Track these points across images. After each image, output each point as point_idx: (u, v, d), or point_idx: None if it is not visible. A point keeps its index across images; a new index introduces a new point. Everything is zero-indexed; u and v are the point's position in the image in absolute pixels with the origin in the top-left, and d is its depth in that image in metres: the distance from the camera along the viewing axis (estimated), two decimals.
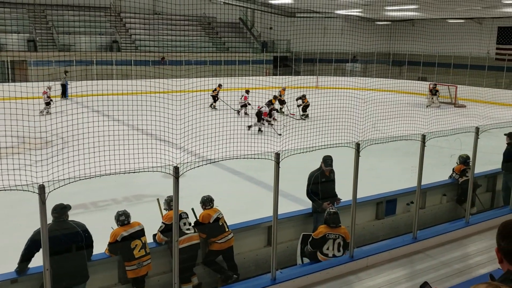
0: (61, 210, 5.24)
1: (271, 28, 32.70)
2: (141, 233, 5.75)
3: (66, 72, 24.04)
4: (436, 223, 8.04)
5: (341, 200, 7.20)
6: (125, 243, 5.59)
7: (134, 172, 4.90)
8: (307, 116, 19.89)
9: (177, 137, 7.01)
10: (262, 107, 17.29)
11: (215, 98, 21.89)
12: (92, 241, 5.45)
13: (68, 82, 23.75)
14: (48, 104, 18.82)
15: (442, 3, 19.77)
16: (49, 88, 19.30)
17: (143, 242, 5.71)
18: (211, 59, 28.84)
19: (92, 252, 5.52)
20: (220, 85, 21.93)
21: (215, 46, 33.16)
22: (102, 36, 29.19)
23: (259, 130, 16.80)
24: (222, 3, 28.13)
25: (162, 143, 7.29)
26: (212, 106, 21.70)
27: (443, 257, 6.13)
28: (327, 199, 7.07)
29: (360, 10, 25.92)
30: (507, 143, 9.20)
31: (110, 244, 5.65)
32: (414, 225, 6.40)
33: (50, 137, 9.48)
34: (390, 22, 31.43)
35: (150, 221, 6.17)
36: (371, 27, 29.38)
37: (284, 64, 34.13)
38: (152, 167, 4.68)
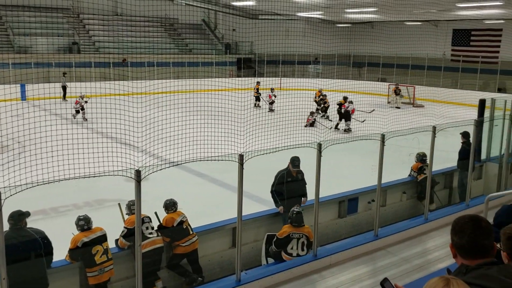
0: (18, 217, 5.07)
1: (234, 29, 32.71)
2: (102, 238, 5.64)
3: (64, 73, 24.08)
4: (397, 220, 8.25)
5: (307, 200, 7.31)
6: (86, 249, 5.47)
7: (95, 176, 4.81)
8: (327, 117, 20.04)
9: (139, 140, 6.93)
10: (348, 106, 17.66)
11: (258, 97, 22.57)
12: (51, 248, 5.30)
13: (67, 83, 23.77)
14: (77, 112, 18.43)
15: (400, 5, 20.31)
16: (82, 97, 18.69)
17: (105, 247, 5.60)
18: (174, 61, 28.60)
19: (52, 259, 5.37)
20: (258, 83, 22.51)
21: (177, 47, 32.87)
22: (60, 37, 28.42)
23: (349, 129, 17.34)
24: (184, 4, 27.94)
25: (124, 146, 7.17)
26: (256, 105, 22.32)
27: (404, 254, 6.29)
28: (292, 199, 7.15)
29: (321, 12, 26.29)
30: (461, 142, 9.55)
31: (70, 250, 5.51)
32: (375, 223, 6.55)
33: (6, 142, 9.16)
34: (350, 24, 32.05)
35: (112, 226, 6.06)
36: (332, 30, 29.88)
37: (247, 65, 34.23)
38: (113, 170, 4.59)
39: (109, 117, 7.36)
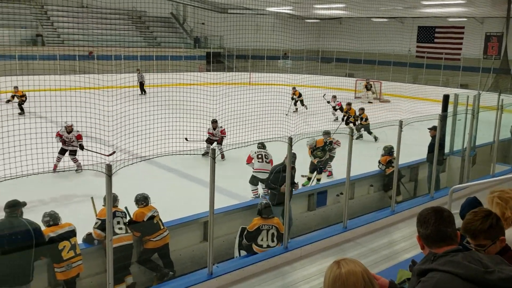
0: (14, 206, 5.10)
1: (203, 23, 32.45)
2: (71, 234, 5.56)
3: (138, 69, 25.37)
4: (364, 212, 8.43)
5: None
6: (52, 245, 5.38)
7: (64, 171, 4.74)
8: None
9: (108, 134, 6.82)
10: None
11: (296, 102, 20.82)
12: (43, 241, 5.23)
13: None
14: None
15: (367, 2, 20.62)
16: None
17: (73, 243, 5.52)
18: (142, 54, 28.16)
19: (43, 252, 5.27)
20: (294, 88, 21.05)
21: (146, 41, 32.40)
22: (23, 29, 27.51)
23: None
24: None
25: (93, 141, 7.06)
26: (296, 110, 20.62)
27: (372, 244, 6.44)
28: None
29: (291, 8, 26.41)
30: (431, 136, 9.76)
31: None
32: (344, 215, 6.67)
33: None
34: (319, 20, 32.32)
35: (82, 221, 5.97)
36: (301, 25, 30.05)
37: (217, 60, 34.03)
38: (83, 165, 4.53)
39: (77, 111, 7.22)
